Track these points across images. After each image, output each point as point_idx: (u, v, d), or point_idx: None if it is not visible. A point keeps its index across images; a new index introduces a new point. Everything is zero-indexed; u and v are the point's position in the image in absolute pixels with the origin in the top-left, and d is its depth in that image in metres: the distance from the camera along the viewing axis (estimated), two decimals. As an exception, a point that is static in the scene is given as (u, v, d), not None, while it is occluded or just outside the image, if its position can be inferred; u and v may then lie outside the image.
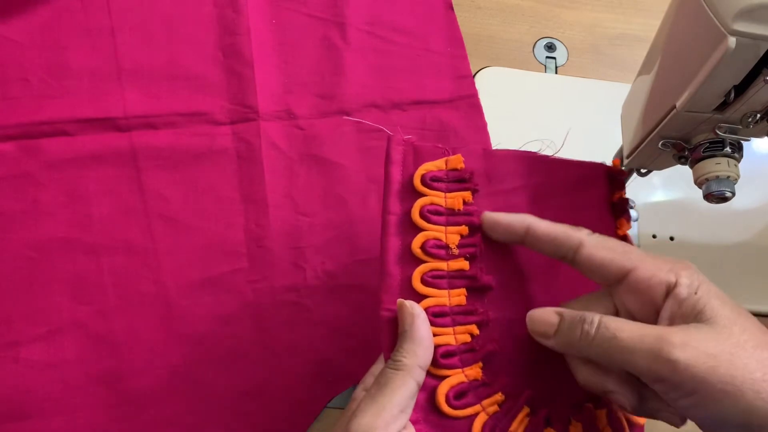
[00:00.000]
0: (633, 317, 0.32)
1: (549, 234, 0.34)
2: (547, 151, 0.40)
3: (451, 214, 0.36)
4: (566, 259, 0.33)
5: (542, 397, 0.35)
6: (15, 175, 0.49)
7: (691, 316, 0.29)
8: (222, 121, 0.53)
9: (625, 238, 0.40)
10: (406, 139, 0.38)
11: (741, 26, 0.28)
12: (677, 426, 0.31)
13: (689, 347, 0.27)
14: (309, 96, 0.55)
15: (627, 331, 0.29)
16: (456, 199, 0.36)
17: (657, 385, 0.29)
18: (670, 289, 0.30)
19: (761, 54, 0.29)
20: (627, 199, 0.41)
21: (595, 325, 0.30)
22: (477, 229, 0.37)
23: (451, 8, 0.60)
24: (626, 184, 0.47)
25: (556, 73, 0.60)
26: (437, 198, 0.36)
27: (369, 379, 0.35)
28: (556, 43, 0.61)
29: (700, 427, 0.29)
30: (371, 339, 0.47)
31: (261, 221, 0.50)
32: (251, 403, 0.45)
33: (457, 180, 0.37)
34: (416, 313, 0.33)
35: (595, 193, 0.40)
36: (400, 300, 0.34)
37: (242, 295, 0.48)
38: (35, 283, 0.46)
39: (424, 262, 0.35)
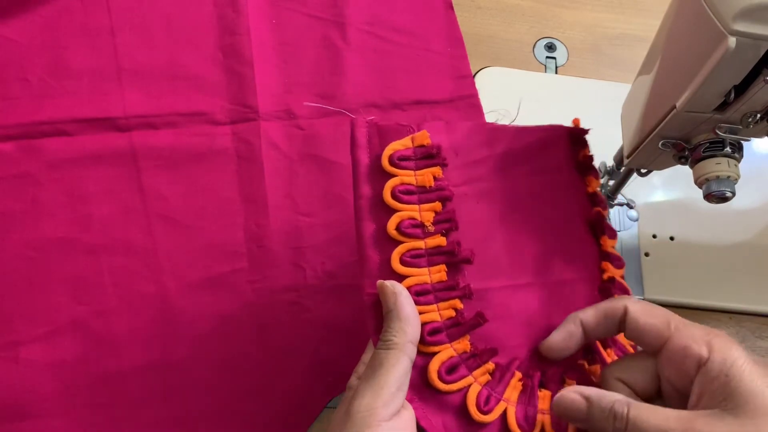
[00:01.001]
0: (673, 385, 0.31)
1: (598, 315, 0.33)
2: (504, 122, 0.40)
3: (422, 191, 0.36)
4: (618, 327, 0.33)
5: (534, 360, 0.35)
6: (15, 175, 0.49)
7: (720, 397, 0.28)
8: (222, 121, 0.53)
9: (595, 195, 0.40)
10: (369, 121, 0.37)
11: (741, 26, 0.28)
12: None
13: None
14: (309, 96, 0.55)
15: (654, 427, 0.29)
16: (426, 176, 0.36)
17: None
18: (701, 363, 0.29)
19: (761, 54, 0.29)
20: (592, 156, 0.41)
21: (624, 421, 0.29)
22: (450, 203, 0.37)
23: (451, 8, 0.60)
24: (626, 184, 0.47)
25: (556, 73, 0.60)
26: (407, 177, 0.36)
27: (361, 367, 0.35)
28: (556, 43, 0.61)
29: None
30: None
31: (261, 221, 0.50)
32: (251, 403, 0.45)
33: (425, 156, 0.37)
34: (398, 291, 0.33)
35: (560, 155, 0.41)
36: (379, 281, 0.34)
37: (242, 295, 0.47)
38: (35, 283, 0.46)
39: (401, 242, 0.35)
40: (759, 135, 0.36)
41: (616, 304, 0.33)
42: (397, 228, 0.35)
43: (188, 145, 0.52)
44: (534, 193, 0.39)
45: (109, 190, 0.50)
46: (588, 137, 0.42)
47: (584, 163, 0.41)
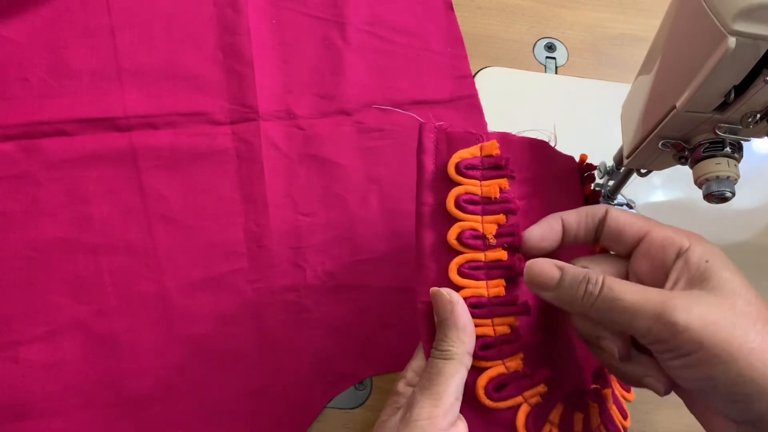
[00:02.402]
0: (642, 280, 0.32)
1: (579, 214, 0.34)
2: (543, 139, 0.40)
3: (487, 202, 0.35)
4: (597, 227, 0.34)
5: (576, 383, 0.35)
6: (15, 175, 0.49)
7: (698, 280, 0.29)
8: (222, 121, 0.53)
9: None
10: (437, 126, 0.36)
11: (741, 26, 0.28)
12: (660, 394, 0.31)
13: (691, 311, 0.27)
14: (309, 96, 0.55)
15: (630, 293, 0.29)
16: (492, 187, 0.35)
17: (654, 346, 0.29)
18: (681, 252, 0.30)
19: (761, 54, 0.29)
20: (598, 192, 0.41)
21: (599, 285, 0.29)
22: (513, 216, 0.36)
23: (451, 8, 0.60)
24: (625, 184, 0.48)
25: (556, 73, 0.60)
26: (472, 186, 0.35)
27: (409, 374, 0.35)
28: (556, 43, 0.61)
29: (690, 389, 0.30)
30: (371, 339, 0.47)
31: (261, 221, 0.50)
32: (251, 403, 0.45)
33: (492, 167, 0.36)
34: (455, 300, 0.33)
35: (576, 186, 0.41)
36: (434, 288, 0.33)
37: (242, 295, 0.47)
38: (35, 283, 0.46)
39: (461, 253, 0.34)
40: (759, 135, 0.36)
41: (597, 207, 0.34)
42: (458, 238, 0.34)
43: (188, 145, 0.52)
44: None
45: (109, 190, 0.50)
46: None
47: (590, 197, 0.41)
